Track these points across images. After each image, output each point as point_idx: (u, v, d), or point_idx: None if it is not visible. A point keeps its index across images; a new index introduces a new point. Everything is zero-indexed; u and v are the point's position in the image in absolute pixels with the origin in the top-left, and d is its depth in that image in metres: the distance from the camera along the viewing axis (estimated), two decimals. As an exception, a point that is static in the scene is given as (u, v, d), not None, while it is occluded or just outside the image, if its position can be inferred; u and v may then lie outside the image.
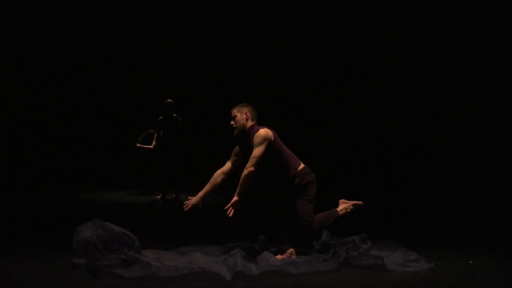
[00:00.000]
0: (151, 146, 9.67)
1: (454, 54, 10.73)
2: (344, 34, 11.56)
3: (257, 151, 4.31)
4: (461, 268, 4.37)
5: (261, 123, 4.57)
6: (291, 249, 4.45)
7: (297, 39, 11.90)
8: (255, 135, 4.36)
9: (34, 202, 8.49)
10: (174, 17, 11.91)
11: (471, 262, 4.57)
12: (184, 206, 4.48)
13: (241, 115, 4.47)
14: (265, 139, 4.34)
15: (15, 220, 6.70)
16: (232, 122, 4.51)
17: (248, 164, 4.30)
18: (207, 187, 4.56)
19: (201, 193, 4.52)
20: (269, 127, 4.46)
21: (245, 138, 4.48)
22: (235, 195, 4.26)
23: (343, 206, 4.76)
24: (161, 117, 8.99)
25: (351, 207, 4.76)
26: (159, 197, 9.06)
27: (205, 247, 4.71)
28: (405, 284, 3.87)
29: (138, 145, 9.94)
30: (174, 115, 8.95)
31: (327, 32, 11.64)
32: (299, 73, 11.95)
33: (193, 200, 4.49)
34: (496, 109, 10.42)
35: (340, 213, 4.71)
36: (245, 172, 4.29)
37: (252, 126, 4.47)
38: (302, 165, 4.57)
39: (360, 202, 4.78)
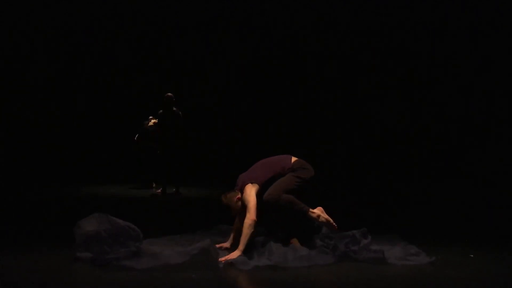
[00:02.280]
0: (153, 143, 9.57)
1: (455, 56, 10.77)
2: (343, 33, 11.54)
3: (251, 203, 4.35)
4: (461, 262, 4.38)
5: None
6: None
7: (298, 38, 11.86)
8: (243, 197, 4.45)
9: (36, 197, 8.48)
10: (175, 13, 11.87)
11: (472, 255, 4.59)
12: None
13: (233, 202, 4.50)
14: (252, 191, 4.42)
15: (18, 214, 6.70)
16: (232, 212, 4.54)
17: (249, 215, 4.29)
18: (235, 233, 4.58)
19: (230, 240, 4.60)
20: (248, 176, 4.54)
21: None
22: (239, 251, 4.19)
23: (318, 213, 4.42)
24: (161, 111, 8.99)
25: (324, 220, 4.39)
26: (159, 191, 9.07)
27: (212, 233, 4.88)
28: (405, 278, 3.89)
29: (139, 137, 9.91)
30: (174, 109, 8.95)
31: (328, 32, 11.62)
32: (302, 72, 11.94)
33: (223, 244, 4.60)
34: (495, 105, 10.45)
35: (310, 213, 4.41)
36: (248, 221, 4.27)
37: (242, 192, 4.50)
38: (294, 159, 4.65)
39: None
